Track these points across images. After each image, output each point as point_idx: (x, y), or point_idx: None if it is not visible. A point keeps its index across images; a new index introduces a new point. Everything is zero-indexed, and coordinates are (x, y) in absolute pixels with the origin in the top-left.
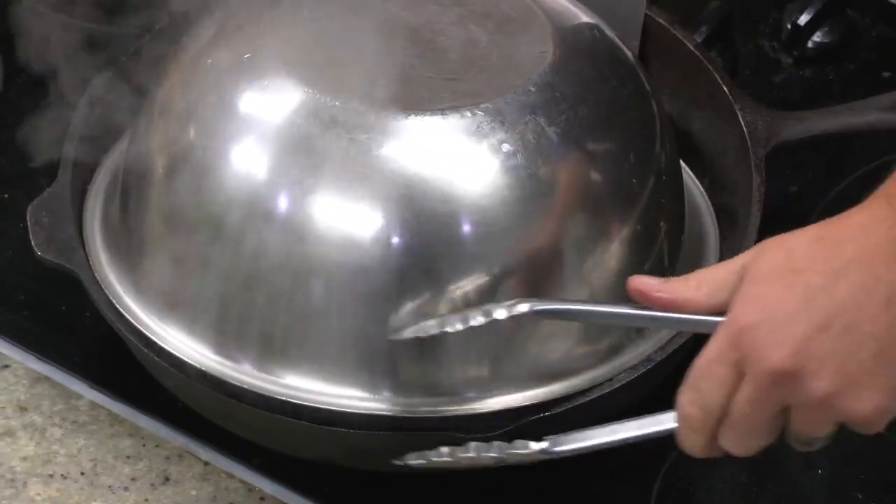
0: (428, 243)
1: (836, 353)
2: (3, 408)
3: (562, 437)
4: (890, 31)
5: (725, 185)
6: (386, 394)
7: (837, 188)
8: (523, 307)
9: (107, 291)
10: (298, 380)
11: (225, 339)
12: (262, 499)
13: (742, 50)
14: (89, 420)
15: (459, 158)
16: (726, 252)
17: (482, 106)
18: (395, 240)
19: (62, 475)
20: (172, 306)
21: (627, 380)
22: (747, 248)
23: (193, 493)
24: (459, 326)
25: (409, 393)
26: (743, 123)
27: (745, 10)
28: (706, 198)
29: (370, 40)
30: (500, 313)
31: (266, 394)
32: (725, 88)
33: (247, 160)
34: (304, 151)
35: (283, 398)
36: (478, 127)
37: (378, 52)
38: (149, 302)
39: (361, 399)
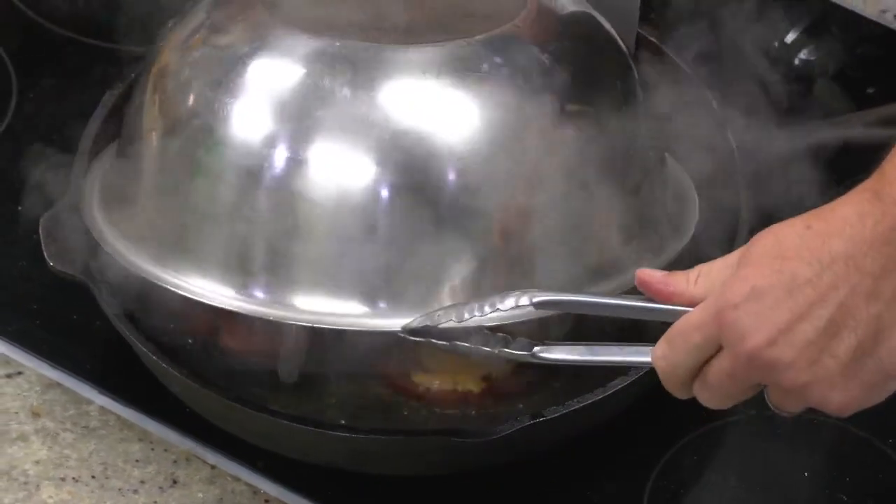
0: (421, 181)
1: (814, 344)
2: (17, 413)
3: (553, 348)
4: (874, 49)
5: (713, 197)
6: (384, 308)
7: (824, 201)
8: (524, 300)
9: (113, 252)
10: (306, 303)
11: (237, 273)
12: (266, 501)
13: (731, 67)
14: (100, 425)
15: (454, 89)
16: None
17: (476, 38)
18: (391, 174)
19: (73, 478)
20: (184, 252)
21: (620, 386)
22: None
23: (200, 495)
24: (466, 315)
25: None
26: (732, 138)
27: (733, 28)
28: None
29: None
30: (506, 303)
31: (277, 319)
32: (714, 104)
33: (250, 106)
34: (306, 89)
35: (292, 322)
36: (473, 54)
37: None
38: (154, 252)
39: (364, 316)
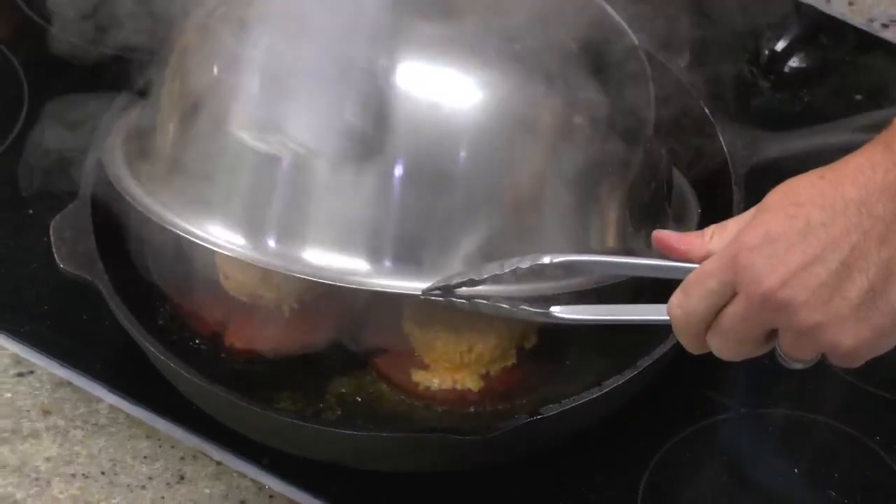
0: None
1: (826, 286)
2: (28, 411)
3: (569, 307)
4: (861, 56)
5: (707, 200)
6: (388, 265)
7: None
8: (545, 259)
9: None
10: (318, 256)
11: (250, 226)
12: (271, 497)
13: (722, 74)
14: (109, 422)
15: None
16: None
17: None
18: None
19: (83, 474)
20: (200, 203)
21: (617, 384)
22: None
23: (207, 491)
24: (485, 276)
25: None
26: (724, 143)
27: (725, 36)
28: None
29: None
30: (525, 264)
31: (289, 272)
32: (707, 111)
33: (270, 69)
34: (323, 53)
35: (303, 275)
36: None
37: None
38: (180, 209)
39: (376, 275)
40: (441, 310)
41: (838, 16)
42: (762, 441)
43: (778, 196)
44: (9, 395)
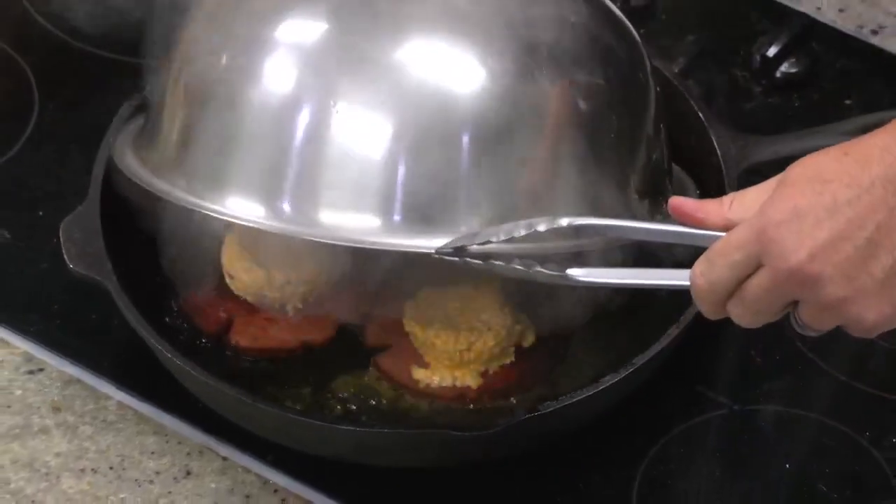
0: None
1: (852, 262)
2: (39, 408)
3: (585, 270)
4: (851, 62)
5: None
6: (401, 225)
7: None
8: (563, 221)
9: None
10: (331, 219)
11: (269, 198)
12: (275, 491)
13: (716, 79)
14: (117, 419)
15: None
16: None
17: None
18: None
19: (92, 469)
20: (218, 185)
21: (613, 381)
22: None
23: (213, 486)
24: (502, 237)
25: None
26: (717, 146)
27: (718, 42)
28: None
29: None
30: (542, 226)
31: (305, 237)
32: (701, 114)
33: (277, 37)
34: (330, 24)
35: (318, 238)
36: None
37: None
38: (194, 189)
39: (392, 235)
40: (441, 309)
41: (829, 22)
42: (755, 437)
43: (802, 171)
44: (19, 392)
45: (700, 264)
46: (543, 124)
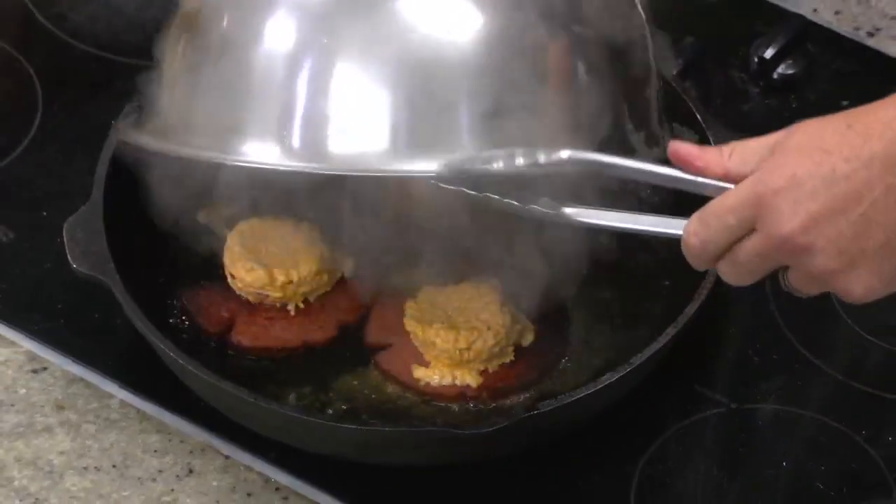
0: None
1: (845, 236)
2: (42, 406)
3: (580, 209)
4: (847, 63)
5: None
6: (403, 153)
7: None
8: (564, 154)
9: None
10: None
11: (276, 140)
12: (277, 489)
13: (714, 81)
14: (120, 417)
15: None
16: None
17: None
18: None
19: (95, 467)
20: (226, 135)
21: (611, 380)
22: None
23: (215, 484)
24: (501, 164)
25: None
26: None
27: (716, 44)
28: None
29: None
30: (541, 156)
31: (311, 170)
32: (699, 115)
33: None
34: None
35: (321, 171)
36: None
37: None
38: (202, 143)
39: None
40: (441, 309)
41: (825, 24)
42: (752, 435)
43: (803, 137)
44: (23, 391)
45: (694, 223)
46: (541, 57)
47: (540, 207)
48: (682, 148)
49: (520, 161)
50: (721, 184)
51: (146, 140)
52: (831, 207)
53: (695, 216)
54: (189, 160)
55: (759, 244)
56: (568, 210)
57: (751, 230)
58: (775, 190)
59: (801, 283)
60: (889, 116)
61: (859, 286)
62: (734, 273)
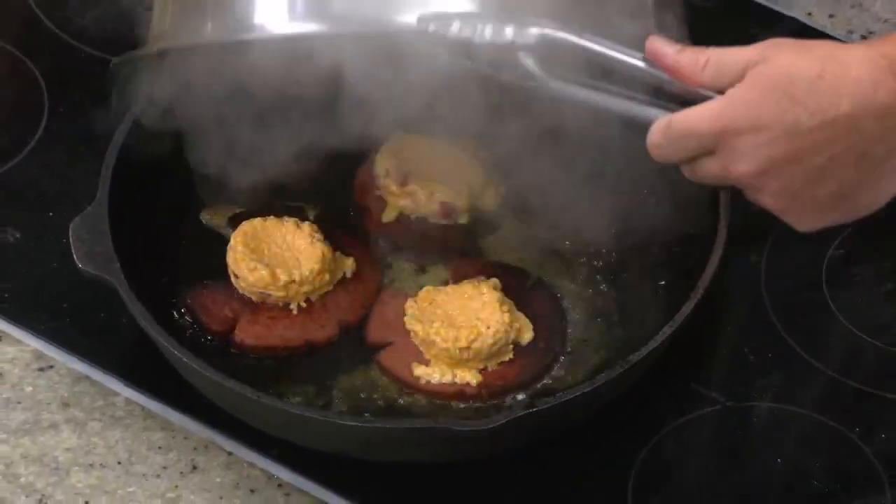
0: None
1: (798, 184)
2: (49, 404)
3: (557, 81)
4: None
5: (696, 203)
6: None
7: None
8: (533, 30)
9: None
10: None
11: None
12: (279, 485)
13: None
14: (125, 415)
15: None
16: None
17: None
18: None
19: (101, 464)
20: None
21: (609, 378)
22: (714, 262)
23: (218, 480)
24: (467, 33)
25: None
26: None
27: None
28: None
29: None
30: (509, 30)
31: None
32: None
33: None
34: None
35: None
36: None
37: None
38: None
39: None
40: (441, 308)
41: (819, 28)
42: (747, 432)
43: (775, 78)
44: (30, 388)
45: (657, 135)
46: None
47: (516, 74)
48: (660, 46)
49: (487, 32)
50: (690, 89)
51: (146, 49)
52: (790, 156)
53: (660, 126)
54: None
55: (717, 169)
56: (544, 79)
57: (710, 152)
58: (738, 130)
59: (752, 200)
60: (864, 77)
61: (804, 225)
62: (692, 177)
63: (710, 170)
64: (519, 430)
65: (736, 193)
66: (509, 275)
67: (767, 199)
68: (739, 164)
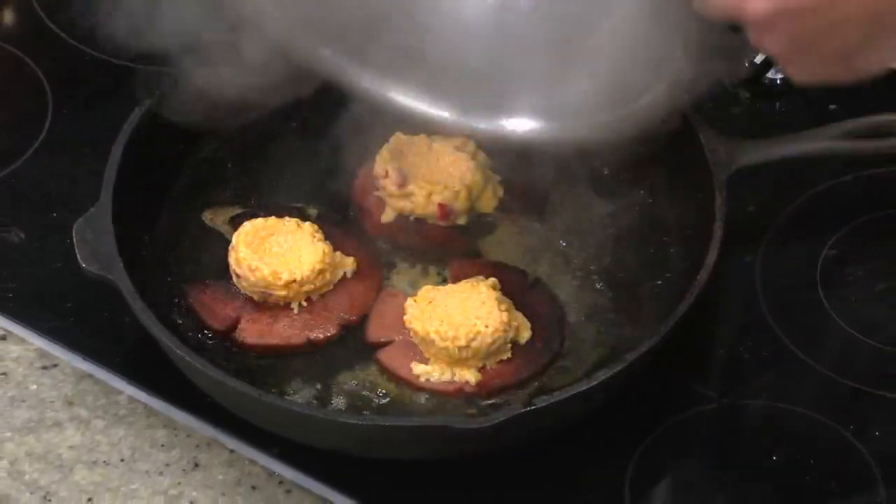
0: None
1: (805, 34)
2: (53, 402)
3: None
4: None
5: (691, 204)
6: None
7: (790, 207)
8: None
9: None
10: None
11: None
12: (280, 483)
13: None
14: (128, 413)
15: None
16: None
17: None
18: None
19: (104, 461)
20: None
21: (606, 376)
22: (710, 262)
23: (220, 477)
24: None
25: None
26: (706, 150)
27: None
28: None
29: None
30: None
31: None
32: (690, 119)
33: None
34: None
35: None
36: None
37: None
38: None
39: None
40: (440, 307)
41: None
42: (742, 430)
43: None
44: (34, 387)
45: None
46: None
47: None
48: None
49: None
50: None
51: None
52: (804, 6)
53: None
54: None
55: (729, 4)
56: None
57: None
58: None
59: (754, 42)
60: None
61: (804, 75)
62: (701, 8)
63: (724, 3)
64: (517, 428)
65: (731, 193)
66: (508, 274)
67: (772, 45)
68: (755, 5)
